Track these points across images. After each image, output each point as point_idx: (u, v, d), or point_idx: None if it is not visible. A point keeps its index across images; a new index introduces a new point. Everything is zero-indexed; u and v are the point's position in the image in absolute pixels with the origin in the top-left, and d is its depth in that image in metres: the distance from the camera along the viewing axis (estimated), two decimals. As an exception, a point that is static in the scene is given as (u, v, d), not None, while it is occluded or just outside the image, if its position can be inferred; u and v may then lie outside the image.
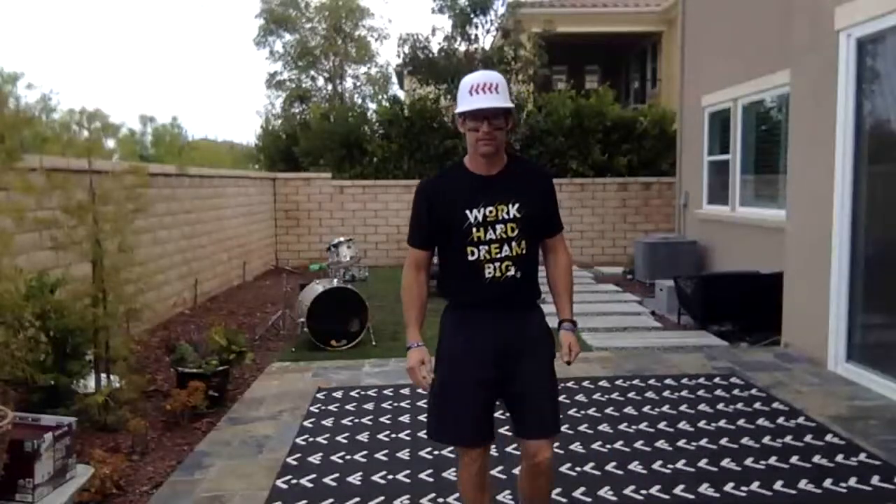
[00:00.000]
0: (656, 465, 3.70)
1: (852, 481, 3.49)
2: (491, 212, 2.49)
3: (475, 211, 2.48)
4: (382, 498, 3.40)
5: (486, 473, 2.65)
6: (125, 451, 3.95)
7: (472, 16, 13.89)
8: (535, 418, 2.51)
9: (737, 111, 8.82)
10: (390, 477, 3.64)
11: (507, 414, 2.61)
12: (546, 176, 2.69)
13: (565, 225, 2.80)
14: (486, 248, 2.49)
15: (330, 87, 26.10)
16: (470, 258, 2.50)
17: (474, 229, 2.48)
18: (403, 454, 3.94)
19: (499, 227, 2.49)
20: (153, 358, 5.97)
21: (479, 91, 2.41)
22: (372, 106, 16.09)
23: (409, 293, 2.63)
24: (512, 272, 2.51)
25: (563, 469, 3.65)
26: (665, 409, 4.62)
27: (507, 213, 2.49)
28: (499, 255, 2.50)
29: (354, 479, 3.62)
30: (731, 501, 3.31)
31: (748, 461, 3.75)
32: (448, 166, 2.59)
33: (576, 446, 3.98)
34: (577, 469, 3.67)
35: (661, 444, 4.02)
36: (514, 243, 2.50)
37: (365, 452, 3.97)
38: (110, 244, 4.46)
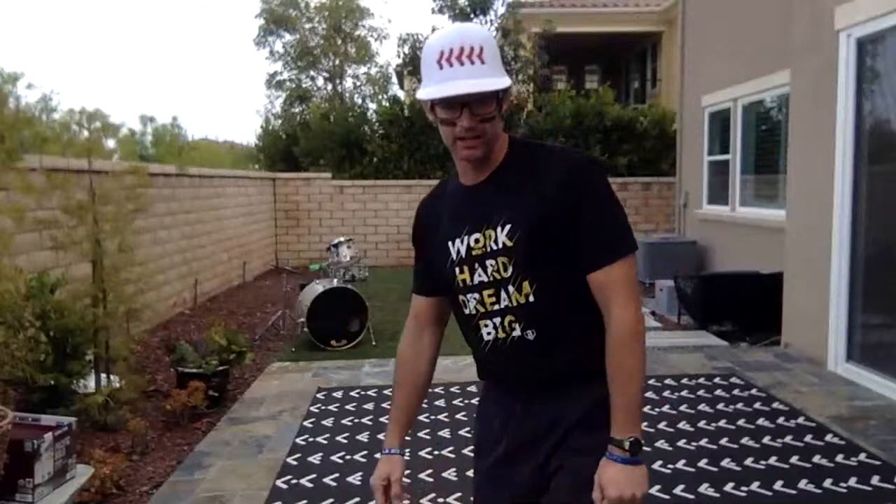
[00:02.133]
0: (656, 465, 3.70)
1: (852, 481, 3.49)
2: (478, 241, 1.59)
3: (458, 242, 1.62)
4: (382, 498, 3.39)
5: None
6: (125, 451, 3.94)
7: (472, 16, 13.93)
8: None
9: (737, 111, 8.82)
10: (390, 477, 3.64)
11: None
12: (574, 163, 1.57)
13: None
14: (477, 296, 1.62)
15: (330, 87, 26.11)
16: (465, 312, 1.68)
17: (457, 270, 1.63)
18: (403, 454, 3.93)
19: (489, 263, 1.58)
20: (153, 358, 5.97)
21: (453, 61, 1.47)
22: (372, 106, 16.10)
23: (399, 366, 1.81)
24: (518, 332, 1.59)
25: (563, 469, 3.65)
26: (665, 409, 4.62)
27: (496, 241, 1.57)
28: (496, 307, 1.60)
29: (354, 479, 3.62)
30: (731, 501, 3.31)
31: (748, 461, 3.75)
32: (448, 176, 1.77)
33: (576, 446, 3.97)
34: (577, 469, 3.66)
35: (661, 444, 4.02)
36: (510, 287, 1.57)
37: (365, 452, 3.97)
38: (110, 244, 4.46)
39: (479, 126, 1.51)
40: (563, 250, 1.55)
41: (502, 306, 1.60)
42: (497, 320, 1.61)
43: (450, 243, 1.64)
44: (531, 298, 1.57)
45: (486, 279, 1.60)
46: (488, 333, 1.64)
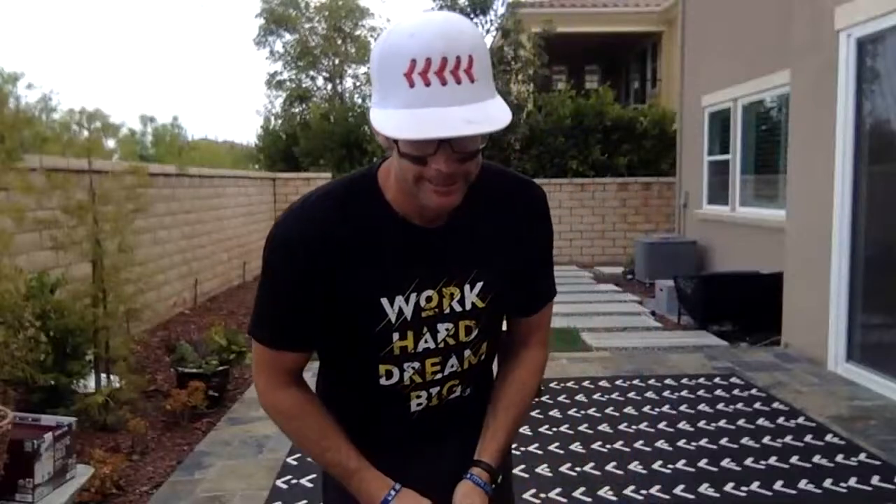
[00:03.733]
0: (656, 465, 3.70)
1: (852, 481, 3.49)
2: (430, 300, 1.26)
3: (400, 300, 1.24)
4: (382, 498, 3.39)
5: None
6: (125, 451, 3.94)
7: (471, 16, 13.89)
8: None
9: (737, 111, 8.82)
10: (390, 477, 3.63)
11: None
12: (536, 198, 1.34)
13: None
14: (417, 366, 1.29)
15: (330, 86, 26.10)
16: (383, 382, 1.30)
17: (396, 335, 1.26)
18: (403, 454, 3.93)
19: (442, 327, 1.28)
20: (153, 358, 5.97)
21: (431, 77, 1.02)
22: (372, 106, 16.08)
23: (308, 429, 1.33)
24: (457, 393, 1.36)
25: (564, 469, 3.65)
26: (665, 409, 4.62)
27: (462, 301, 1.27)
28: (438, 377, 1.31)
29: (354, 479, 3.62)
30: (731, 501, 3.31)
31: (748, 461, 3.75)
32: (343, 189, 1.30)
33: (576, 446, 3.98)
34: (577, 469, 3.66)
35: (661, 444, 4.02)
36: (467, 352, 1.32)
37: (365, 452, 3.97)
38: (110, 244, 4.46)
39: (459, 169, 1.10)
40: (513, 302, 1.36)
41: (446, 374, 1.31)
42: (435, 390, 1.32)
43: (384, 301, 1.23)
44: (482, 357, 1.36)
45: (432, 346, 1.28)
46: (419, 405, 1.33)
